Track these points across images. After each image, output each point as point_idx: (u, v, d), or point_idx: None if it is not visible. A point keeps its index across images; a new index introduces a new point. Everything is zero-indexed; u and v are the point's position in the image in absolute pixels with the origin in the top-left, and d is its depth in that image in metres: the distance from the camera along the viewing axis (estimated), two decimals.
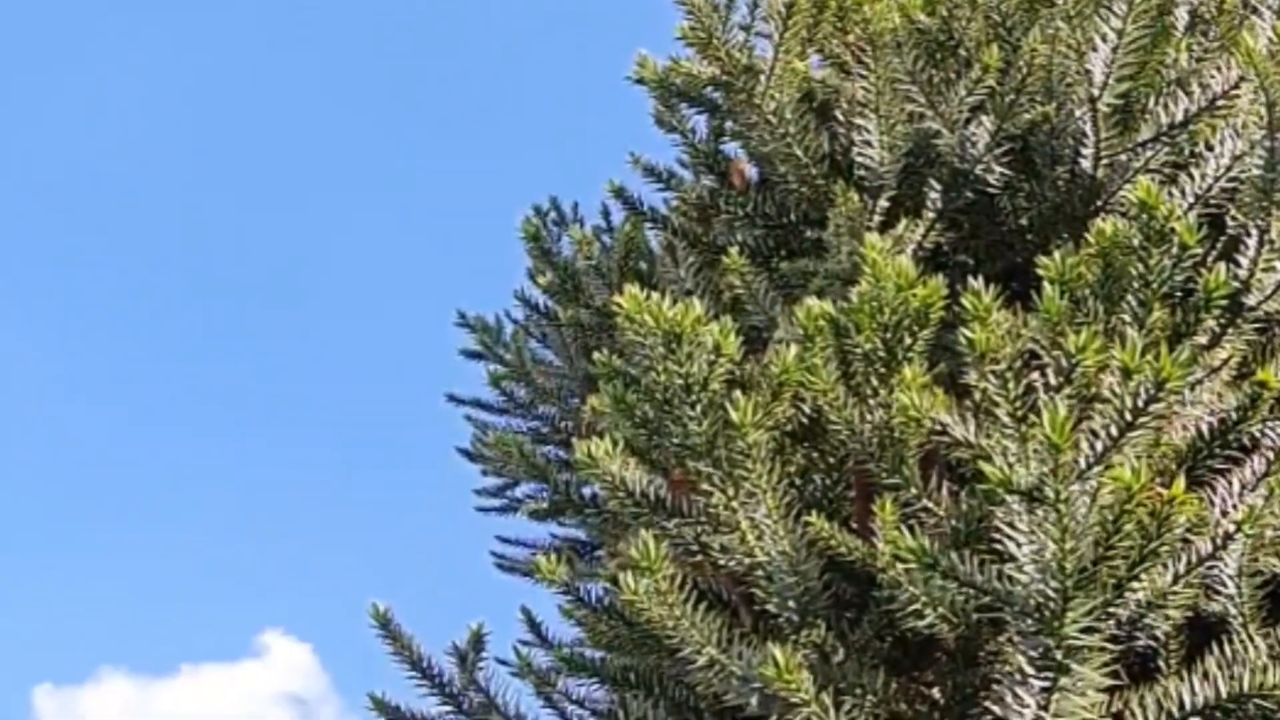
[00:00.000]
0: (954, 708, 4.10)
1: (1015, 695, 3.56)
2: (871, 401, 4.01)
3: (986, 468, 3.38)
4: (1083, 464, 3.41)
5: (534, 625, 4.91)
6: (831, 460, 4.33)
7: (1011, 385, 3.52)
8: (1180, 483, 3.42)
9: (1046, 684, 3.51)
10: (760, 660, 3.64)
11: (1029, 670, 3.50)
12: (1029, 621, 3.47)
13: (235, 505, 26.20)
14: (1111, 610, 3.50)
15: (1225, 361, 4.25)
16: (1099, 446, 3.40)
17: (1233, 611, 4.05)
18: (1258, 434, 4.20)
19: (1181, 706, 3.85)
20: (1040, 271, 3.96)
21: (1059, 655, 3.47)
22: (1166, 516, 3.38)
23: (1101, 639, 3.55)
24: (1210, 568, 3.94)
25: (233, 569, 26.17)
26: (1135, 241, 3.95)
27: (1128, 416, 3.42)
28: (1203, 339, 4.19)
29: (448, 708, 4.82)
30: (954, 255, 5.09)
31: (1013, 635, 3.56)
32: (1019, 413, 3.44)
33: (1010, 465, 3.38)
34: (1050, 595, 3.40)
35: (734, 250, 4.98)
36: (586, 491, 5.23)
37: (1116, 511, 3.32)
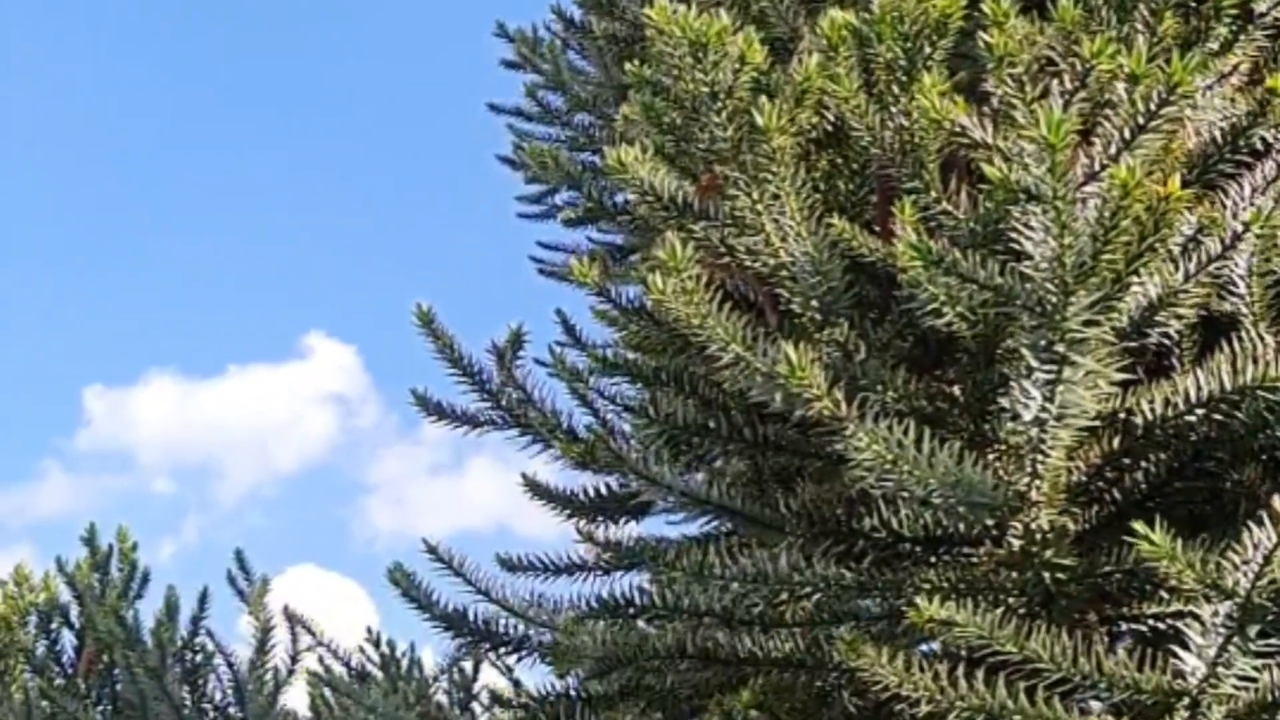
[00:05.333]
0: (973, 405, 4.24)
1: (1022, 389, 3.70)
2: (893, 109, 4.12)
3: (988, 168, 3.49)
4: (1096, 166, 3.52)
5: (569, 327, 5.03)
6: (855, 166, 4.44)
7: (1028, 88, 3.62)
8: (1176, 180, 3.52)
9: (1050, 376, 3.65)
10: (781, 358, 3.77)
11: (1033, 363, 3.64)
12: (1033, 315, 3.60)
13: (282, 209, 26.43)
14: (1112, 305, 3.62)
15: (1235, 67, 4.31)
16: (1112, 149, 3.51)
17: (1243, 311, 4.17)
18: (1270, 139, 4.29)
19: (1187, 400, 4.01)
20: None
21: (1061, 348, 3.61)
22: (1163, 213, 3.49)
23: (1109, 335, 3.69)
24: (1221, 268, 4.05)
25: (278, 272, 26.51)
26: None
27: (1140, 120, 3.51)
28: (1214, 45, 4.26)
29: (486, 403, 4.97)
30: None
31: (1018, 329, 3.69)
32: (1034, 115, 3.53)
33: (1015, 165, 3.49)
34: (1051, 289, 3.53)
35: None
36: (620, 198, 5.33)
37: (1113, 208, 3.43)
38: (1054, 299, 3.54)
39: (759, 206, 4.02)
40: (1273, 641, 3.60)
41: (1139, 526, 3.54)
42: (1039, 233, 3.50)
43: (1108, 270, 3.53)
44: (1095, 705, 3.91)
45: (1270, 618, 3.56)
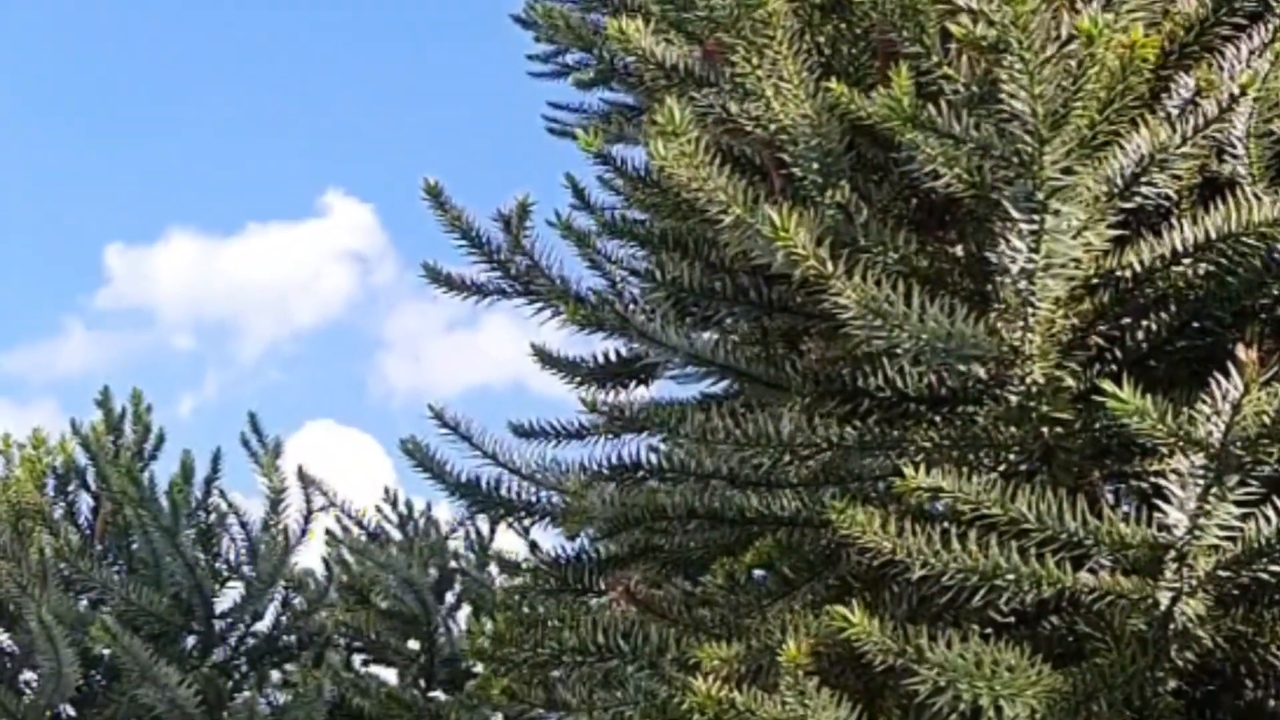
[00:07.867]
0: (973, 266, 4.30)
1: (1008, 241, 3.77)
2: None
3: (953, 26, 3.53)
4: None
5: (578, 190, 5.06)
6: (858, 31, 4.47)
7: None
8: (1140, 29, 3.57)
9: (1033, 227, 3.71)
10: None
11: (1015, 213, 3.71)
12: (1011, 166, 3.67)
13: (299, 67, 26.38)
14: (1089, 154, 3.69)
15: None
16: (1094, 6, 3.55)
17: (1242, 172, 4.20)
18: (1270, 1, 4.30)
19: (1174, 250, 4.07)
20: None
21: (1041, 196, 3.67)
22: (1131, 60, 3.53)
23: (1093, 185, 3.78)
24: (1220, 129, 4.08)
25: (297, 130, 26.54)
26: None
27: None
28: None
29: (496, 273, 5.03)
30: None
31: (1002, 182, 3.75)
32: None
33: (981, 20, 3.54)
34: (1027, 139, 3.59)
35: None
36: (631, 60, 5.35)
37: (1080, 57, 3.49)
38: (1030, 149, 3.59)
39: (759, 72, 4.06)
40: (1253, 491, 3.65)
41: (1106, 385, 3.59)
42: (1015, 86, 3.54)
43: (1081, 119, 3.58)
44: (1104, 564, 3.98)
45: (1248, 467, 3.61)
